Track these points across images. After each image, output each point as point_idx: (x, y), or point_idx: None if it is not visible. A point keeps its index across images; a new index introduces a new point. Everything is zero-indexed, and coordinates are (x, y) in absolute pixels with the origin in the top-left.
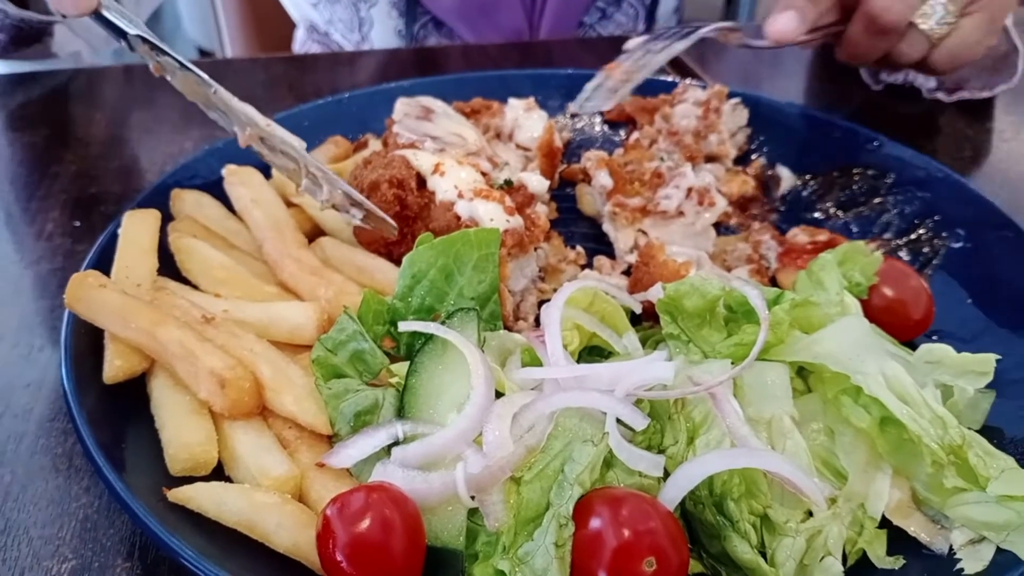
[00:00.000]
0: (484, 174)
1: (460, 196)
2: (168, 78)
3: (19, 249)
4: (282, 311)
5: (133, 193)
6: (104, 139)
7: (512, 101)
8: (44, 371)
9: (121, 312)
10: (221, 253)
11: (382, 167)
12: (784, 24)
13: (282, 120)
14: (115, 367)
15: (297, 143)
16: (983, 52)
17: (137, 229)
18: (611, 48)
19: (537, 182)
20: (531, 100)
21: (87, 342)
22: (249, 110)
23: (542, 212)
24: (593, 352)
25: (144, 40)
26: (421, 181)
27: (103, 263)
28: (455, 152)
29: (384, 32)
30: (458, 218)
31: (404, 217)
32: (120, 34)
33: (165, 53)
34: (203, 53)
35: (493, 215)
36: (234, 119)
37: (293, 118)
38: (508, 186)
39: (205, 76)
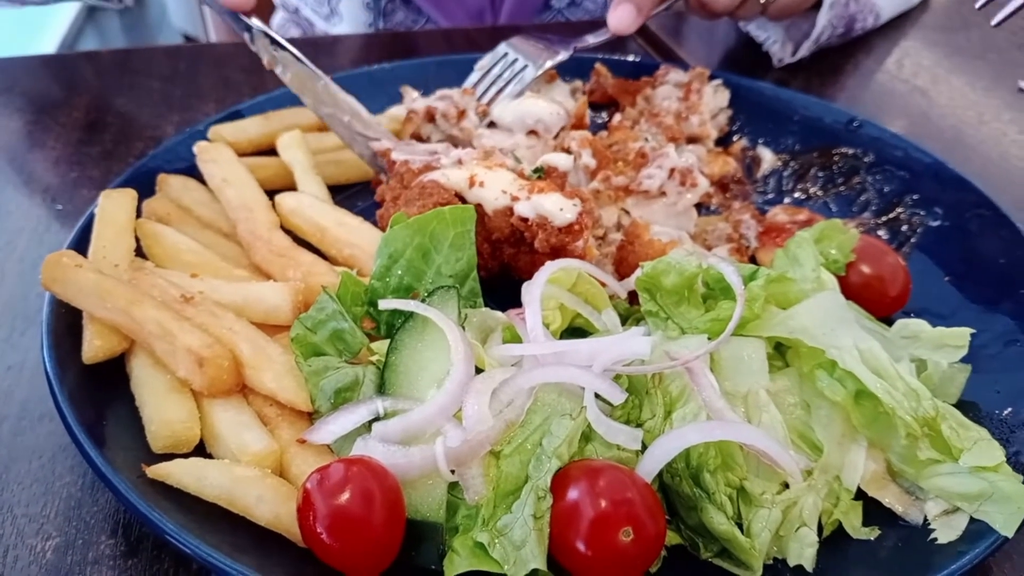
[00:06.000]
0: (512, 170)
1: (515, 199)
2: (278, 71)
3: (1, 232)
4: (257, 292)
5: (115, 177)
6: (85, 124)
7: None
8: (26, 353)
9: (97, 292)
10: (190, 237)
11: (417, 197)
12: (622, 16)
13: (263, 103)
14: (94, 347)
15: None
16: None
17: (114, 209)
18: (586, 33)
19: (564, 160)
20: (552, 72)
21: (68, 322)
22: (353, 102)
23: (581, 186)
24: (575, 334)
25: (266, 35)
26: (460, 197)
27: (83, 245)
28: (475, 158)
29: (353, 6)
30: (524, 219)
31: None
32: (245, 27)
33: (284, 48)
34: (188, 39)
35: (561, 204)
36: (340, 110)
37: (274, 101)
38: (540, 174)
39: (318, 70)
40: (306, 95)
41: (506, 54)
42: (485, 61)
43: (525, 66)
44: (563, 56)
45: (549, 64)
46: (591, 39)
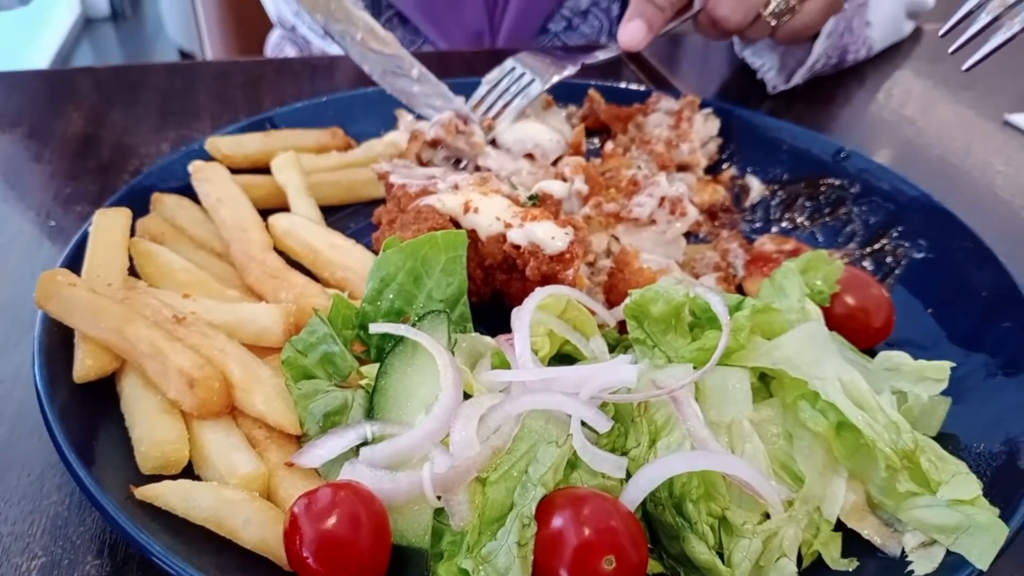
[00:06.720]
0: (508, 197)
1: (508, 226)
2: None
3: None
4: (249, 313)
5: (110, 193)
6: (81, 138)
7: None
8: (19, 368)
9: (90, 311)
10: (183, 257)
11: (412, 222)
12: (632, 33)
13: (258, 123)
14: (86, 366)
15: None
16: (819, 28)
17: (108, 227)
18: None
19: (560, 187)
20: (549, 98)
21: (60, 339)
22: (367, 18)
23: (574, 211)
24: (564, 360)
25: None
26: (454, 223)
27: (77, 262)
28: (471, 184)
29: None
30: (516, 247)
31: None
32: None
33: None
34: (184, 55)
35: (552, 233)
36: (353, 26)
37: (270, 120)
38: (535, 201)
39: None
40: (317, 13)
41: (513, 68)
42: (493, 75)
43: (532, 80)
44: (571, 71)
45: (556, 79)
46: (601, 55)
